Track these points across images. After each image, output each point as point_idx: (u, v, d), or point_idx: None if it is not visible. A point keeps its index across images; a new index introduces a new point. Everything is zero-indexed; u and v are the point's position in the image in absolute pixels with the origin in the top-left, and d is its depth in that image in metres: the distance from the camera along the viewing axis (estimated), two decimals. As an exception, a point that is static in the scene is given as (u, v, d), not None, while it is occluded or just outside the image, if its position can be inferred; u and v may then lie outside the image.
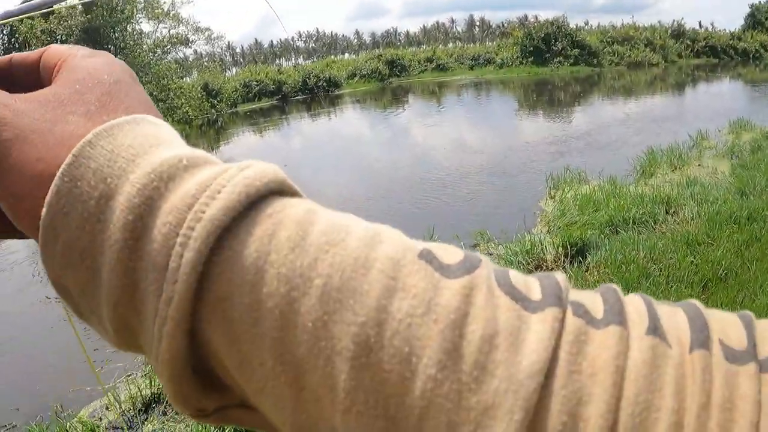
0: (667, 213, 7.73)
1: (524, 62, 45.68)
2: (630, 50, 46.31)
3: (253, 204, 0.34)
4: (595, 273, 5.99)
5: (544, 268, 6.47)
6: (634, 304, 0.34)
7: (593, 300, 0.33)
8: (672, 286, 5.48)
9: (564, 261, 6.51)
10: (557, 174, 10.83)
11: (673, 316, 0.33)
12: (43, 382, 6.10)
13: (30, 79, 0.47)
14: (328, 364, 0.31)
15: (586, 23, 55.83)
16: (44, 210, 0.36)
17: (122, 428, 5.14)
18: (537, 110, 26.85)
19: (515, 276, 0.34)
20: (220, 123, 33.04)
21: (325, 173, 15.30)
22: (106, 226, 0.34)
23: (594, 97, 30.24)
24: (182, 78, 33.28)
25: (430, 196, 12.15)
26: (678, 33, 49.91)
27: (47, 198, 0.36)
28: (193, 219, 0.33)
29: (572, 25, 48.48)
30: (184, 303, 0.32)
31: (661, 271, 5.82)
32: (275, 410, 0.34)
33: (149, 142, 0.37)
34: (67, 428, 4.82)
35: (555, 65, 44.16)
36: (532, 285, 0.33)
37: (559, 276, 0.35)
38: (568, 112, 25.48)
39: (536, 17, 62.70)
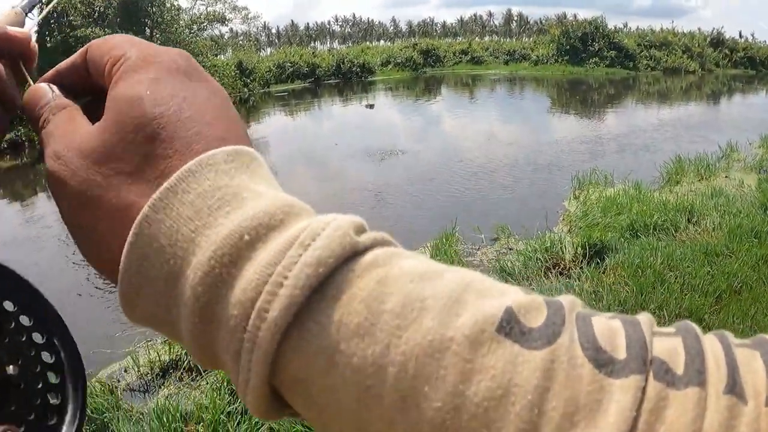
0: (688, 222, 7.77)
1: (560, 60, 45.36)
2: (667, 56, 45.76)
3: (319, 285, 0.34)
4: (612, 275, 6.09)
5: (562, 266, 6.58)
6: (714, 351, 0.32)
7: (675, 351, 0.32)
8: (686, 294, 5.55)
9: (582, 261, 6.62)
10: (583, 175, 10.91)
11: (751, 363, 0.32)
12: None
13: (81, 83, 0.46)
14: None
15: (625, 25, 55.18)
16: (119, 286, 0.37)
17: (139, 391, 5.31)
18: (569, 110, 26.77)
19: (600, 329, 0.33)
20: (252, 102, 33.21)
21: (353, 160, 15.43)
22: (178, 303, 0.36)
23: (627, 101, 30.05)
24: (216, 55, 33.44)
25: (456, 186, 12.27)
26: (717, 41, 49.20)
27: (119, 278, 0.37)
28: (258, 318, 0.33)
29: (610, 26, 48.03)
30: (260, 385, 0.34)
31: (676, 278, 5.89)
32: None
33: (208, 207, 0.36)
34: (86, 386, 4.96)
35: (590, 66, 43.83)
36: (617, 338, 0.32)
37: (645, 322, 0.34)
38: (601, 113, 25.35)
39: (575, 16, 62.12)
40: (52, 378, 0.48)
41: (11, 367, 0.47)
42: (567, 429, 0.29)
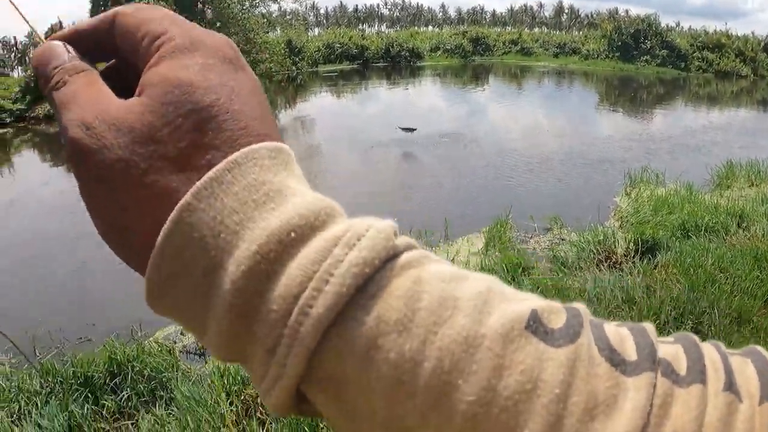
0: (738, 226, 7.79)
1: (610, 56, 44.74)
2: (719, 58, 44.89)
3: (361, 285, 0.35)
4: (663, 272, 6.18)
5: (614, 260, 6.69)
6: (711, 357, 0.36)
7: (677, 354, 0.35)
8: (735, 296, 5.63)
9: (634, 256, 6.71)
10: (635, 172, 10.98)
11: (745, 369, 0.36)
12: (118, 304, 6.41)
13: (101, 48, 0.44)
14: None
15: (677, 24, 54.06)
16: (149, 272, 0.36)
17: (195, 353, 5.46)
18: (620, 107, 26.52)
19: (612, 333, 0.35)
20: (299, 80, 33.38)
21: (406, 146, 15.53)
22: (212, 300, 0.35)
23: (677, 102, 29.65)
24: (267, 33, 33.58)
25: (508, 175, 12.41)
26: (771, 47, 48.19)
27: (150, 264, 0.36)
28: (300, 313, 0.33)
29: (663, 25, 47.28)
30: (291, 384, 0.34)
31: (726, 279, 5.96)
32: None
33: (254, 201, 0.36)
34: (144, 347, 5.10)
35: (641, 63, 43.19)
36: (626, 342, 0.35)
37: (650, 330, 0.37)
38: (651, 113, 25.09)
39: (627, 12, 61.24)
40: None
41: None
42: (587, 422, 0.31)
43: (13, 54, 38.18)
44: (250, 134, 0.38)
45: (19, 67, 36.53)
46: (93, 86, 0.40)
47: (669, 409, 0.32)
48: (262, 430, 3.88)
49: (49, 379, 4.65)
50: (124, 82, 0.42)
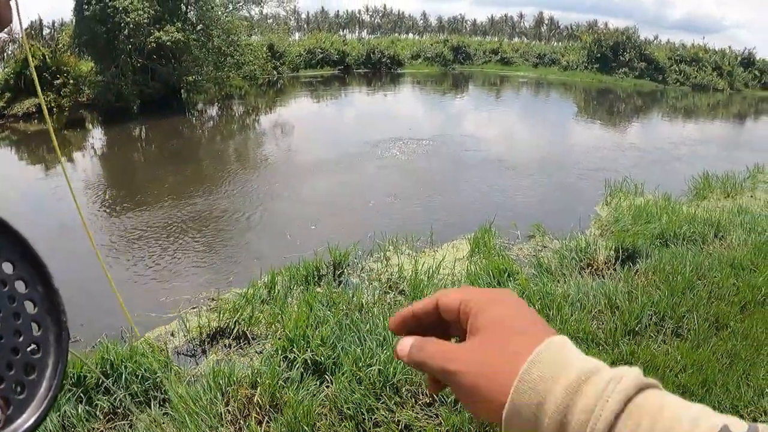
0: (715, 236, 8.00)
1: (589, 68, 45.10)
2: (697, 72, 45.46)
3: (626, 404, 0.52)
4: (644, 279, 6.35)
5: (595, 267, 6.84)
6: None
7: None
8: (713, 302, 5.81)
9: (615, 263, 6.89)
10: (615, 183, 11.22)
11: None
12: (106, 306, 6.38)
13: (430, 318, 0.68)
14: None
15: (656, 37, 54.75)
16: (505, 413, 0.56)
17: (187, 355, 5.48)
18: (597, 118, 26.84)
19: None
20: (280, 85, 33.35)
21: (376, 153, 15.61)
22: (542, 420, 0.53)
23: (654, 113, 30.05)
24: (250, 35, 33.40)
25: (490, 184, 12.56)
26: (748, 62, 48.74)
27: (506, 407, 0.55)
28: (594, 418, 0.51)
29: (642, 38, 47.77)
30: None
31: (704, 286, 6.14)
32: None
33: (559, 363, 0.55)
34: (136, 348, 5.08)
35: (620, 75, 43.63)
36: None
37: None
38: (629, 124, 25.46)
39: (606, 24, 61.91)
40: (34, 330, 0.49)
41: None
42: None
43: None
44: (543, 332, 0.59)
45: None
46: (442, 344, 0.63)
47: None
48: (261, 428, 3.94)
49: None
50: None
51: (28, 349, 0.48)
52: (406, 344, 0.66)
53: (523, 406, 0.54)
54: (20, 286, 0.48)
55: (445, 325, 0.67)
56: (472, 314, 0.63)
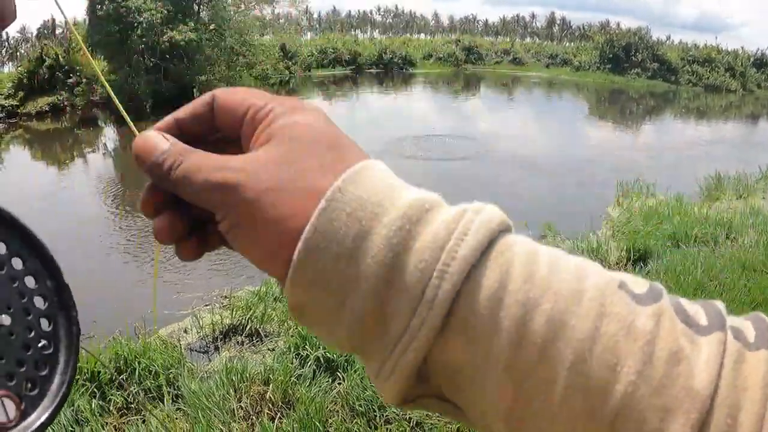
0: (727, 237, 7.97)
1: (602, 68, 44.87)
2: (709, 72, 45.16)
3: (490, 242, 0.41)
4: (655, 279, 6.32)
5: (607, 267, 6.78)
6: None
7: (747, 325, 0.40)
8: (724, 303, 5.79)
9: (626, 264, 6.90)
10: (627, 183, 11.19)
11: None
12: (121, 302, 6.52)
13: (199, 129, 0.50)
14: (551, 370, 0.38)
15: (668, 38, 54.34)
16: (300, 245, 0.41)
17: (199, 351, 5.52)
18: (608, 118, 26.75)
19: (686, 304, 0.42)
20: (292, 85, 33.31)
21: (386, 157, 15.63)
22: (360, 261, 0.40)
23: (668, 114, 29.94)
24: (262, 35, 33.43)
25: (503, 182, 12.60)
26: (760, 63, 48.38)
27: (304, 236, 0.41)
28: (448, 257, 0.39)
29: (654, 38, 47.48)
30: (435, 323, 0.39)
31: (716, 287, 6.14)
32: (490, 405, 0.41)
33: (388, 185, 0.43)
34: (150, 344, 5.14)
35: (632, 76, 43.40)
36: (699, 311, 0.41)
37: (719, 305, 0.42)
38: (640, 125, 25.38)
39: (618, 24, 61.69)
40: (45, 325, 0.48)
41: (3, 316, 0.45)
42: (673, 365, 0.37)
43: (4, 50, 37.89)
44: (362, 155, 0.46)
45: (10, 63, 36.26)
46: (212, 155, 0.46)
47: (740, 366, 0.37)
48: (273, 424, 3.98)
49: None
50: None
51: (39, 345, 0.47)
52: (157, 142, 0.47)
53: (332, 235, 0.41)
54: (30, 282, 0.47)
55: (221, 147, 0.49)
56: (267, 121, 0.46)
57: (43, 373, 0.46)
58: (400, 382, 0.41)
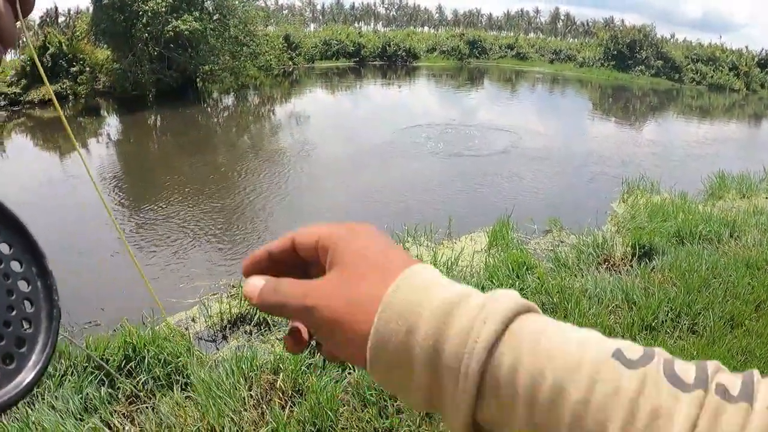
0: (730, 236, 8.02)
1: (606, 65, 44.83)
2: (713, 71, 45.11)
3: (506, 326, 0.49)
4: (659, 275, 6.39)
5: (611, 263, 6.89)
6: (766, 384, 0.44)
7: (735, 382, 0.44)
8: (728, 300, 5.85)
9: (631, 260, 6.94)
10: (632, 180, 11.25)
11: None
12: (128, 291, 6.51)
13: (287, 259, 0.62)
14: (556, 426, 0.45)
15: (672, 36, 54.41)
16: (369, 344, 0.52)
17: (207, 340, 5.58)
18: (611, 115, 26.75)
19: (680, 365, 0.46)
20: (295, 76, 33.34)
21: (386, 151, 15.64)
22: (413, 347, 0.50)
23: (671, 112, 29.93)
24: (267, 26, 33.39)
25: (508, 179, 12.56)
26: (765, 62, 48.32)
27: (371, 336, 0.52)
28: (471, 342, 0.48)
29: (658, 36, 47.43)
30: (472, 390, 0.48)
31: (720, 284, 6.18)
32: None
33: (426, 286, 0.52)
34: (158, 331, 5.16)
35: (636, 73, 43.38)
36: (690, 371, 0.45)
37: (711, 364, 0.46)
38: (644, 121, 25.38)
39: (622, 21, 61.56)
40: (27, 307, 0.52)
41: None
42: (653, 420, 0.42)
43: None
44: (407, 261, 0.56)
45: (13, 51, 36.21)
46: (296, 283, 0.58)
47: (719, 417, 0.41)
48: (284, 413, 4.01)
49: (62, 362, 4.66)
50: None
51: (21, 324, 0.51)
52: (256, 284, 0.60)
53: (389, 334, 0.51)
54: (15, 266, 0.52)
55: (303, 268, 0.62)
56: (331, 248, 0.58)
57: (22, 350, 0.50)
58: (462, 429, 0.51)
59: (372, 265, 0.56)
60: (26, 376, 0.49)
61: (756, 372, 0.45)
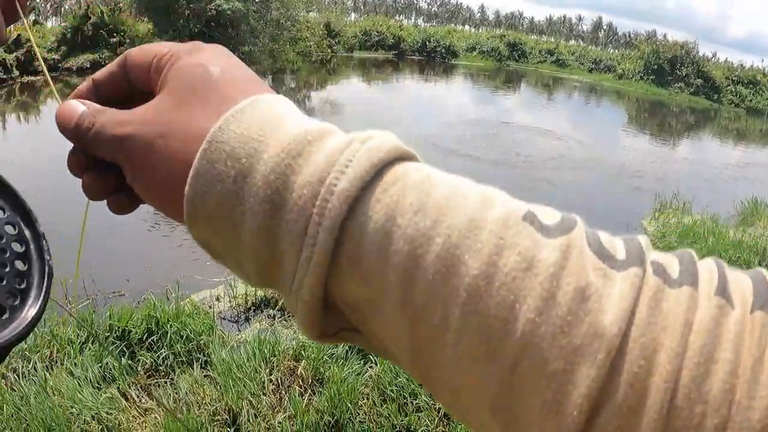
0: (759, 264, 7.85)
1: (645, 79, 44.43)
2: (753, 94, 44.50)
3: (378, 172, 0.39)
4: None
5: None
6: (708, 266, 0.38)
7: (671, 262, 0.37)
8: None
9: (659, 280, 6.85)
10: (664, 198, 11.12)
11: (740, 280, 0.37)
12: (153, 262, 6.61)
13: (118, 91, 0.51)
14: (444, 310, 0.36)
15: (714, 55, 53.66)
16: (186, 189, 0.41)
17: (230, 320, 5.61)
18: (646, 130, 26.51)
19: (604, 237, 0.38)
20: (333, 64, 33.36)
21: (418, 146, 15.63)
22: (245, 199, 0.39)
23: (707, 132, 29.60)
24: (308, 12, 33.46)
25: (536, 187, 12.45)
26: (808, 90, 47.56)
27: (188, 181, 0.41)
28: (327, 192, 0.37)
29: (700, 54, 46.86)
30: (322, 260, 0.37)
31: (748, 314, 6.11)
32: (394, 344, 0.39)
33: (273, 119, 0.41)
34: (182, 306, 5.20)
35: (675, 90, 42.94)
36: (617, 245, 0.38)
37: (642, 239, 0.39)
38: (678, 140, 25.13)
39: (665, 35, 60.85)
40: (20, 266, 0.54)
41: None
42: (579, 301, 0.34)
43: (49, 4, 38.08)
44: (257, 89, 0.46)
45: (54, 17, 36.52)
46: (120, 112, 0.47)
47: (659, 304, 0.34)
48: (303, 400, 4.02)
49: (85, 329, 4.67)
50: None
51: (14, 280, 0.53)
52: (76, 107, 0.49)
53: (213, 179, 0.41)
54: (9, 229, 0.54)
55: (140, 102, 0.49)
56: (166, 68, 0.47)
57: (15, 303, 0.52)
58: (308, 317, 0.40)
59: (209, 88, 0.45)
60: (20, 323, 0.51)
61: (693, 252, 0.40)
